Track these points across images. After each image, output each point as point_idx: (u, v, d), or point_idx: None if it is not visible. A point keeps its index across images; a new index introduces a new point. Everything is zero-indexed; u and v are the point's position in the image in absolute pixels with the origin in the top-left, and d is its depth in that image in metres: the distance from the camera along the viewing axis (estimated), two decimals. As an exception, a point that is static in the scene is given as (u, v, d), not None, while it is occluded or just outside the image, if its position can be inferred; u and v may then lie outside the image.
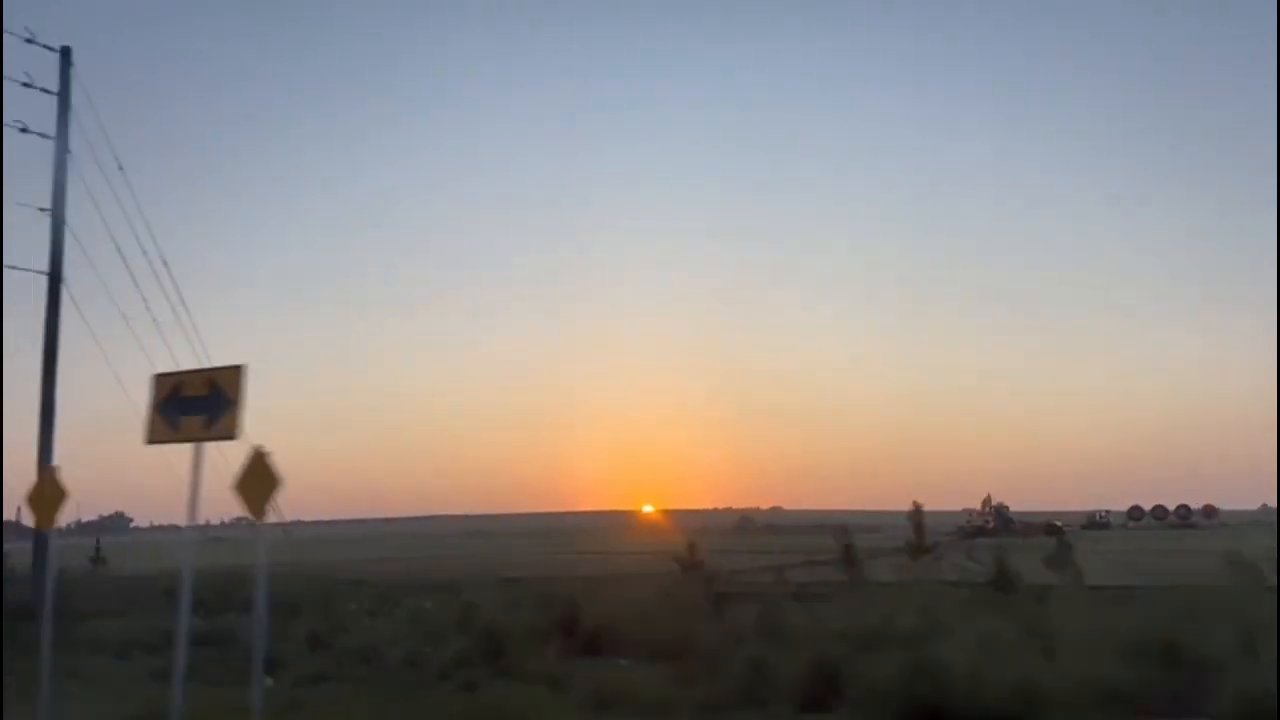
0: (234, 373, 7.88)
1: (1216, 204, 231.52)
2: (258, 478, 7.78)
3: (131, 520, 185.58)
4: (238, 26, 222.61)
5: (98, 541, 42.22)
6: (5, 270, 16.13)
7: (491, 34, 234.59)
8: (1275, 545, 16.87)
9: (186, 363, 14.65)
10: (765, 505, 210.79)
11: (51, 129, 16.94)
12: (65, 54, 17.12)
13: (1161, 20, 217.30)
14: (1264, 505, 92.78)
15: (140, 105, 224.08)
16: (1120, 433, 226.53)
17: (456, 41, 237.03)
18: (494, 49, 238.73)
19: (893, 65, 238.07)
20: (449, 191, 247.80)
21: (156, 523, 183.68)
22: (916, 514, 28.06)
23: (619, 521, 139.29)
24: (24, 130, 16.77)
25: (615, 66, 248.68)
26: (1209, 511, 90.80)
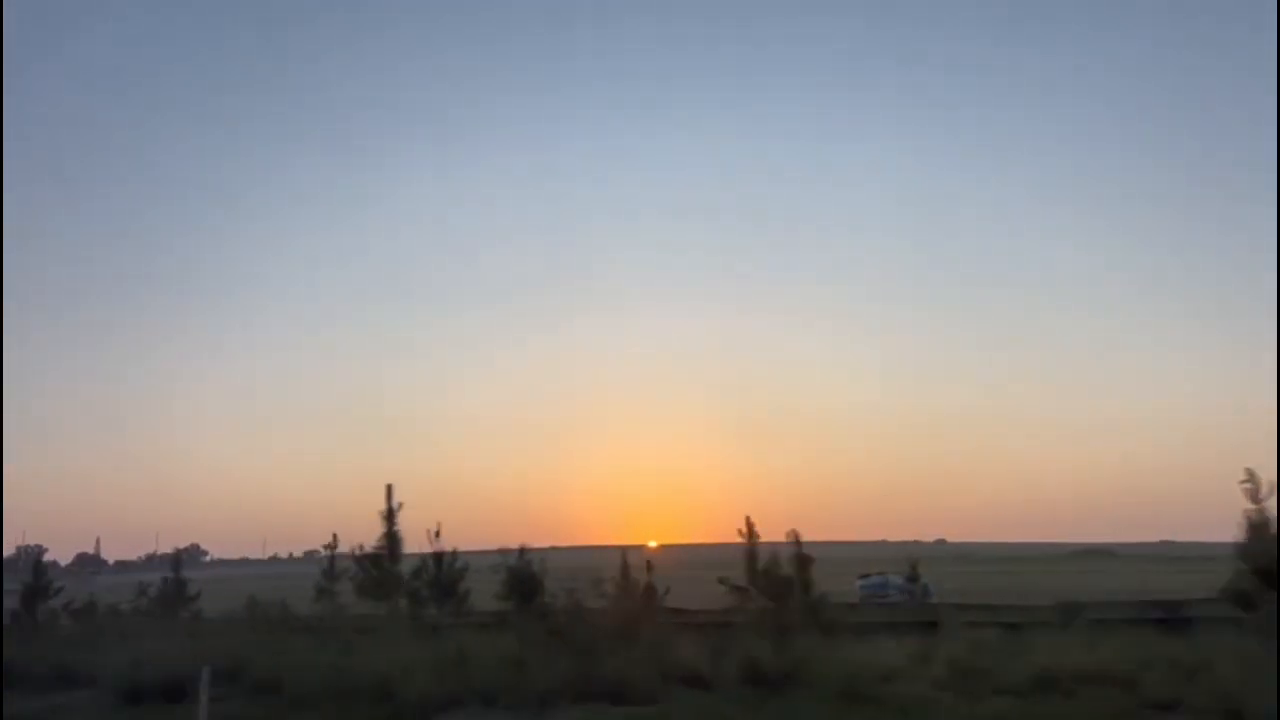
0: None
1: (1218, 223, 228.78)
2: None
3: (207, 554, 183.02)
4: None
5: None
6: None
7: (502, 50, 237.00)
8: None
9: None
10: (929, 538, 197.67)
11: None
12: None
13: (1161, 25, 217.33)
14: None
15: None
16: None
17: (468, 62, 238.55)
18: (509, 62, 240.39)
19: (891, 76, 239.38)
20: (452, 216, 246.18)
21: (227, 556, 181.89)
22: None
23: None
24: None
25: (634, 82, 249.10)
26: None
